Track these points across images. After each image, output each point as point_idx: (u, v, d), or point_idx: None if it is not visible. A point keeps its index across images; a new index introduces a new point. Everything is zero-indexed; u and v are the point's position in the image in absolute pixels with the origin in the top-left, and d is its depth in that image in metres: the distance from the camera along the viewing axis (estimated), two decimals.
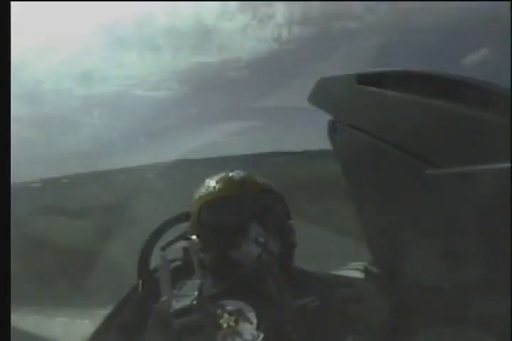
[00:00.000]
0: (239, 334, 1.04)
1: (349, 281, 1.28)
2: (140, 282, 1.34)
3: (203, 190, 1.22)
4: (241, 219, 1.12)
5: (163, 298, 1.10)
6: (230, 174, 1.23)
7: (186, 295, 1.05)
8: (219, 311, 1.07)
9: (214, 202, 1.17)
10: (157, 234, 1.42)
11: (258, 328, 1.05)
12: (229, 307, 1.07)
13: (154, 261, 1.40)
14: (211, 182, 1.22)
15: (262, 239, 1.07)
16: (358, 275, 1.32)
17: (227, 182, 1.20)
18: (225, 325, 1.05)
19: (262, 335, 1.04)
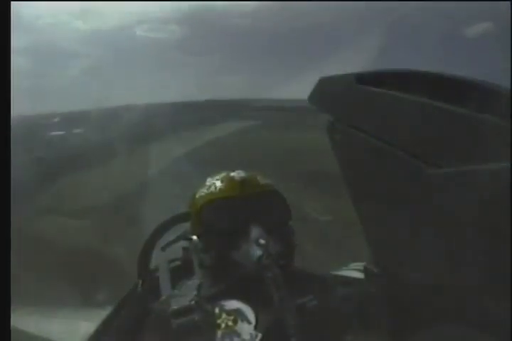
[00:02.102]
0: (237, 334, 1.04)
1: (349, 281, 1.27)
2: (140, 282, 1.34)
3: (203, 190, 1.22)
4: (242, 221, 1.11)
5: (163, 298, 1.10)
6: (232, 174, 1.22)
7: (185, 295, 1.05)
8: (217, 311, 1.07)
9: (215, 203, 1.17)
10: (157, 233, 1.42)
11: (256, 328, 1.05)
12: (227, 307, 1.07)
13: (154, 260, 1.40)
14: (212, 182, 1.22)
15: (262, 241, 1.07)
16: (358, 275, 1.31)
17: (228, 183, 1.20)
18: (223, 325, 1.05)
19: (260, 335, 1.04)
